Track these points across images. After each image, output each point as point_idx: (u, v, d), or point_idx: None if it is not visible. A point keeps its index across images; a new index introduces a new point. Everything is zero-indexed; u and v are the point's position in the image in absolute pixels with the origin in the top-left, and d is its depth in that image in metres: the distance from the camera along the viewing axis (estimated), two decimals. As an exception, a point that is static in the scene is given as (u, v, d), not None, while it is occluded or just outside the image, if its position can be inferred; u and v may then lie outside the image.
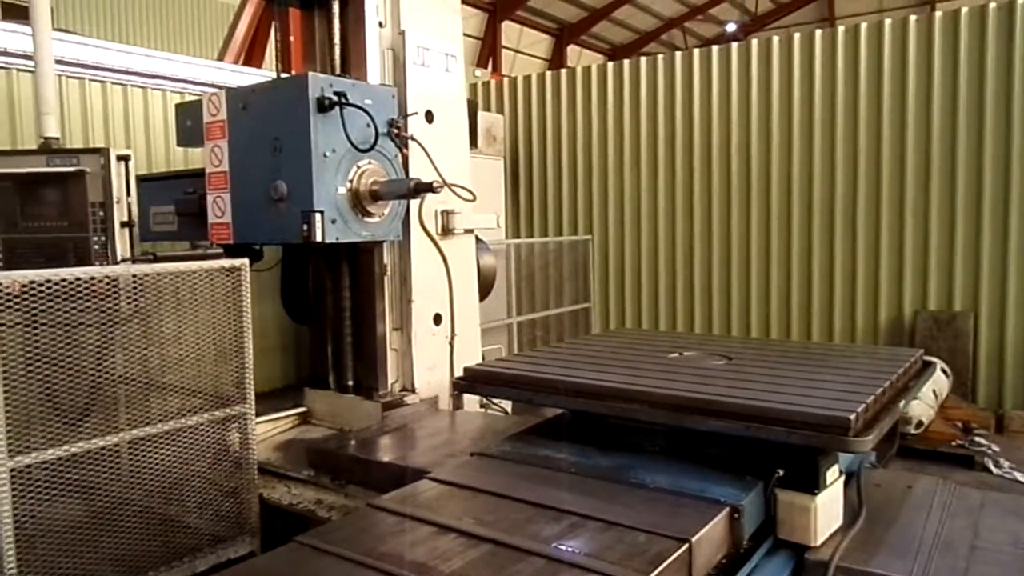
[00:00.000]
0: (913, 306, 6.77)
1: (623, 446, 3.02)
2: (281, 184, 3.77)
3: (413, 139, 4.16)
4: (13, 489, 2.78)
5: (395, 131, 4.02)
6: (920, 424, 5.85)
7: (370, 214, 3.98)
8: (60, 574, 2.97)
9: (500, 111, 8.67)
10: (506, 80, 8.99)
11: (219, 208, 4.14)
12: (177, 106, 4.70)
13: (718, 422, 2.69)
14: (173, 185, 4.61)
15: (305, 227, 3.72)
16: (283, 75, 4.42)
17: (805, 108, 7.12)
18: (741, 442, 2.73)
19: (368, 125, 3.85)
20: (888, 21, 6.83)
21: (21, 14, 4.98)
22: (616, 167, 8.13)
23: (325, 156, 3.73)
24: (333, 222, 3.78)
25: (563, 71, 8.61)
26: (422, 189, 3.91)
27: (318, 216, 3.71)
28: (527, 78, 8.76)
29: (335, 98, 3.69)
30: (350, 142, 3.77)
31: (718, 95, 7.51)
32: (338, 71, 4.22)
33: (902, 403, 3.04)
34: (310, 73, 3.79)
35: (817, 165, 7.09)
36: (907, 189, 6.75)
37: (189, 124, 4.37)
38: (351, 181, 3.87)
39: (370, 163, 3.94)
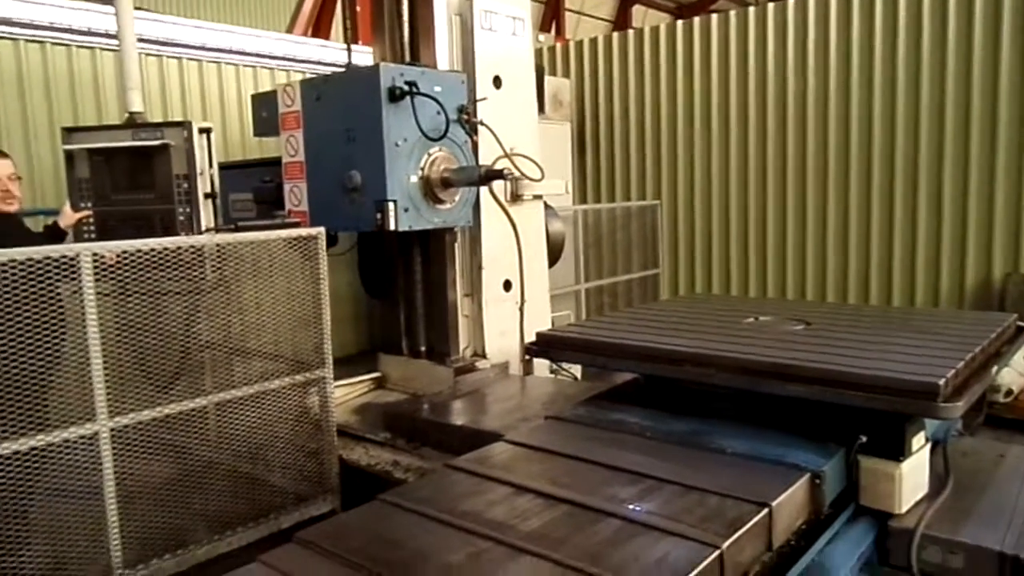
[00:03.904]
0: (1004, 269, 6.44)
1: (698, 411, 3.00)
2: (355, 174, 3.87)
3: (483, 124, 4.18)
4: (113, 448, 2.95)
5: (465, 117, 4.05)
6: (1010, 393, 5.63)
7: (441, 201, 4.05)
8: (155, 529, 3.15)
9: (566, 75, 8.57)
10: (572, 43, 8.86)
11: (295, 197, 4.27)
12: (253, 97, 4.83)
13: (799, 387, 2.65)
14: (251, 173, 4.77)
15: (379, 216, 3.82)
16: (352, 48, 4.47)
17: (887, 61, 6.78)
18: (820, 407, 2.69)
19: (438, 113, 3.91)
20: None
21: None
22: (685, 130, 7.95)
23: (397, 145, 3.81)
24: (406, 211, 3.88)
25: (630, 32, 8.43)
26: (492, 176, 3.99)
27: (391, 205, 3.81)
28: (593, 41, 8.62)
29: (406, 88, 3.75)
30: (421, 131, 3.84)
31: (793, 51, 7.22)
32: (406, 40, 4.24)
33: (993, 369, 2.94)
34: (381, 64, 3.86)
35: (900, 121, 6.76)
36: (999, 144, 6.38)
37: (265, 115, 4.50)
38: (422, 169, 3.94)
39: (440, 150, 3.99)
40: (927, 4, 6.58)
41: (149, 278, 3.03)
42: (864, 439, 2.56)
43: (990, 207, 6.46)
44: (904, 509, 2.58)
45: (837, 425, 2.67)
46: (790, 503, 2.31)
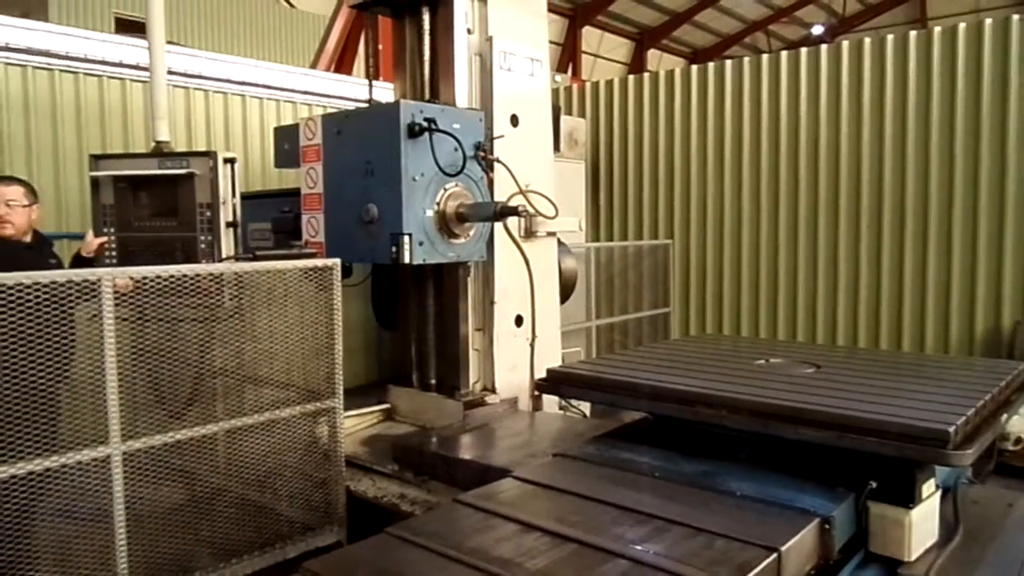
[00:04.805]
0: (1013, 317, 6.41)
1: (708, 452, 2.97)
2: (372, 207, 3.92)
3: (499, 161, 4.23)
4: (124, 472, 2.95)
5: (481, 154, 4.10)
6: (1019, 440, 5.50)
7: (456, 236, 4.08)
8: (161, 554, 3.13)
9: (581, 115, 8.67)
10: (588, 84, 8.97)
11: (313, 228, 4.31)
12: (275, 130, 4.91)
13: (810, 431, 2.62)
14: (270, 203, 4.83)
15: (394, 249, 3.85)
16: (374, 84, 4.55)
17: (898, 112, 6.84)
18: (830, 452, 2.65)
19: (456, 149, 3.96)
20: (988, 21, 6.50)
21: (130, 28, 5.29)
22: (699, 171, 7.99)
23: (414, 180, 3.85)
24: (420, 244, 3.90)
25: (646, 75, 8.53)
26: (507, 213, 4.02)
27: (407, 239, 3.84)
28: (609, 82, 8.72)
29: (425, 124, 3.80)
30: (438, 166, 3.88)
31: (806, 98, 7.29)
32: (427, 78, 4.32)
33: (1003, 417, 2.90)
34: (401, 100, 3.92)
35: (911, 169, 6.79)
36: (1008, 194, 6.39)
37: (286, 147, 4.58)
38: (438, 204, 3.98)
39: (457, 186, 4.04)
40: (936, 57, 6.65)
41: (168, 304, 3.05)
42: (874, 485, 2.53)
43: (999, 255, 6.44)
44: (914, 557, 2.53)
45: (847, 470, 2.63)
46: (799, 548, 2.28)
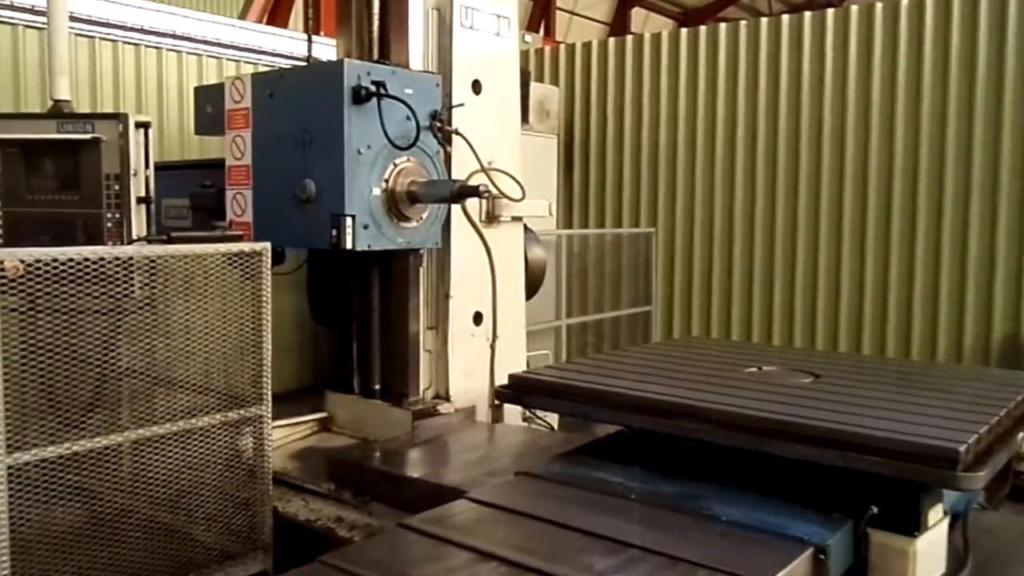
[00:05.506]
0: (1034, 324, 6.60)
1: (690, 472, 3.01)
2: (309, 183, 3.88)
3: (458, 133, 4.21)
4: (9, 488, 2.89)
5: (438, 125, 4.07)
6: (1037, 462, 5.70)
7: (406, 218, 4.05)
8: (54, 584, 3.08)
9: (554, 82, 8.68)
10: (563, 47, 8.99)
11: (239, 205, 4.27)
12: (196, 89, 4.84)
13: (807, 449, 2.66)
14: (189, 176, 4.76)
15: (334, 232, 3.82)
16: (314, 39, 4.51)
17: (911, 86, 6.96)
18: (825, 473, 2.71)
19: (408, 118, 3.92)
20: (1014, -10, 6.65)
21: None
22: (687, 150, 8.05)
23: (359, 153, 3.82)
24: (365, 228, 3.88)
25: (629, 38, 8.56)
26: (466, 193, 4.00)
27: (349, 221, 3.81)
28: (587, 45, 8.74)
29: (373, 88, 3.77)
30: (387, 138, 3.85)
31: (809, 70, 7.38)
32: (376, 34, 4.29)
33: (1020, 435, 2.99)
34: (345, 60, 3.88)
35: (924, 153, 6.92)
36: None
37: (209, 111, 4.51)
38: (387, 181, 3.96)
39: (408, 160, 4.01)
40: (955, 26, 6.78)
41: (66, 293, 2.99)
42: (875, 510, 2.58)
43: (1020, 257, 6.60)
44: (918, 592, 2.60)
45: (845, 493, 2.68)
46: (790, 581, 2.32)
